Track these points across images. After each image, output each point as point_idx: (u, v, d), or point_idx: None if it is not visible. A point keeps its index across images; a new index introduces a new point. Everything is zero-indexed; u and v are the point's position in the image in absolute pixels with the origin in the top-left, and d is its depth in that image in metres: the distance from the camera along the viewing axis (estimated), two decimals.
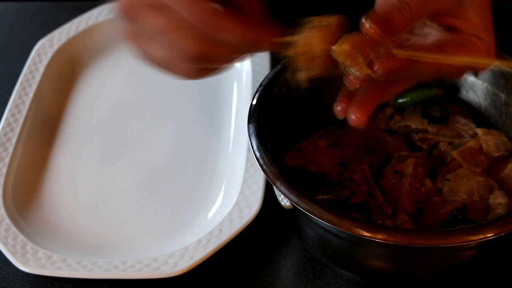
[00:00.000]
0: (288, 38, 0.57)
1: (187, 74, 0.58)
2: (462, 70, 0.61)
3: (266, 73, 0.75)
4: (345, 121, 0.77)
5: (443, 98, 0.78)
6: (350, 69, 0.56)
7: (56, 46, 0.97)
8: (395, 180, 0.70)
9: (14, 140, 0.83)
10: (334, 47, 0.56)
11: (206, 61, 0.56)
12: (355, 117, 0.58)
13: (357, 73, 0.56)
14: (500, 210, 0.66)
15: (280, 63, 0.74)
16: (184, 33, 0.54)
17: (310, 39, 0.57)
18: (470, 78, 0.77)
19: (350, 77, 0.56)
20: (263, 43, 0.56)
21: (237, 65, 0.93)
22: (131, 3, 0.57)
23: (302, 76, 0.58)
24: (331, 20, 0.58)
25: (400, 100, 0.78)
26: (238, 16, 0.55)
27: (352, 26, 0.58)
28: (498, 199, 0.67)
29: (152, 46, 0.58)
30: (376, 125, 0.77)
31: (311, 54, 0.57)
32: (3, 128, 0.85)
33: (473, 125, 0.76)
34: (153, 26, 0.55)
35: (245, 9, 0.58)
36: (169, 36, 0.55)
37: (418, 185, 0.70)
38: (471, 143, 0.73)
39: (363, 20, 0.54)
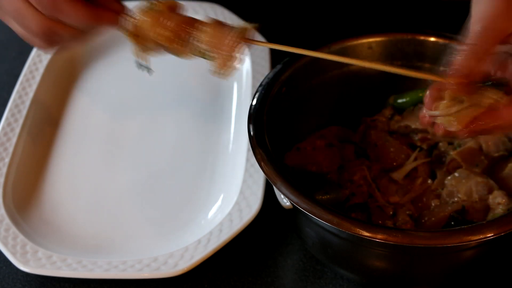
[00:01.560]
0: (125, 19, 0.64)
1: (41, 46, 0.66)
2: None
3: (266, 73, 0.75)
4: (345, 121, 0.78)
5: None
6: (172, 52, 0.65)
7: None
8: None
9: (14, 140, 0.83)
10: (155, 35, 0.63)
11: (53, 37, 0.64)
12: None
13: (180, 55, 0.65)
14: (499, 210, 0.66)
15: (280, 63, 0.74)
16: (29, 13, 0.62)
17: (142, 24, 0.63)
18: None
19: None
20: (100, 25, 0.63)
21: (237, 65, 0.94)
22: None
23: (138, 55, 0.66)
24: (161, 5, 0.63)
25: (400, 101, 0.78)
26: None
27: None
28: (497, 199, 0.67)
29: (11, 22, 0.65)
30: (377, 127, 0.77)
31: (143, 37, 0.64)
32: (3, 128, 0.85)
33: None
34: (5, 6, 0.63)
35: None
36: (17, 16, 0.63)
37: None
38: (471, 143, 0.73)
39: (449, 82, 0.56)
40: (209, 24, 0.63)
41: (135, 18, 0.64)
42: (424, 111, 0.59)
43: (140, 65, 0.67)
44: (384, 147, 0.74)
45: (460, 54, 0.56)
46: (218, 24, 0.63)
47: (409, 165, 0.72)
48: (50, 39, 0.64)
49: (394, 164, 0.73)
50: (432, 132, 0.75)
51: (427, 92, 0.59)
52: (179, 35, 0.63)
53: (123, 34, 0.65)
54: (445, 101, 0.57)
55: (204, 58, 0.64)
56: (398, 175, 0.72)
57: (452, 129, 0.57)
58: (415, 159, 0.73)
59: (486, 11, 0.56)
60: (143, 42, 0.65)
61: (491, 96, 0.56)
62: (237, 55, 0.62)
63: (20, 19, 0.63)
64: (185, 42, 0.63)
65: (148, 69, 0.68)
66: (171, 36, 0.63)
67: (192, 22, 0.64)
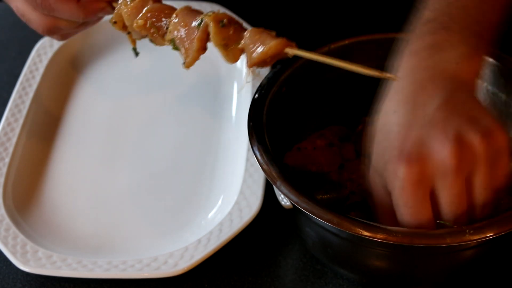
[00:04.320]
0: (110, 9, 0.70)
1: (56, 38, 0.76)
2: None
3: (266, 73, 0.75)
4: (345, 121, 0.78)
5: None
6: (153, 41, 0.68)
7: (56, 46, 0.97)
8: None
9: (14, 140, 0.83)
10: (134, 25, 0.67)
11: (57, 32, 0.73)
12: None
13: (158, 45, 0.68)
14: (499, 209, 0.66)
15: (280, 63, 0.74)
16: (32, 15, 0.71)
17: (121, 13, 0.68)
18: None
19: None
20: (92, 15, 0.71)
21: (237, 65, 0.94)
22: None
23: (129, 38, 0.71)
24: None
25: None
26: None
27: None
28: None
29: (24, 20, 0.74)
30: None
31: (122, 24, 0.69)
32: (3, 128, 0.85)
33: None
34: (15, 8, 0.74)
35: None
36: (24, 18, 0.73)
37: None
38: None
39: None
40: (178, 12, 0.66)
41: (117, 8, 0.69)
42: None
43: (135, 52, 0.74)
44: None
45: None
46: (185, 11, 0.65)
47: None
48: (55, 33, 0.73)
49: None
50: None
51: None
52: (153, 24, 0.67)
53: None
54: None
55: (175, 48, 0.66)
56: None
57: None
58: None
59: None
60: (127, 30, 0.70)
61: None
62: (195, 45, 0.64)
63: (26, 20, 0.73)
64: (160, 31, 0.67)
65: (137, 53, 0.74)
66: (145, 25, 0.67)
67: (166, 10, 0.67)
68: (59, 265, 0.70)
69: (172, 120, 0.90)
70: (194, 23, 0.64)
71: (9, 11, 1.12)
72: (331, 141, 0.75)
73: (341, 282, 0.71)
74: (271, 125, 0.68)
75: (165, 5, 0.68)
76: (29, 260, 0.71)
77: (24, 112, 0.87)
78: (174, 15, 0.66)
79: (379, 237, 0.57)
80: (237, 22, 0.65)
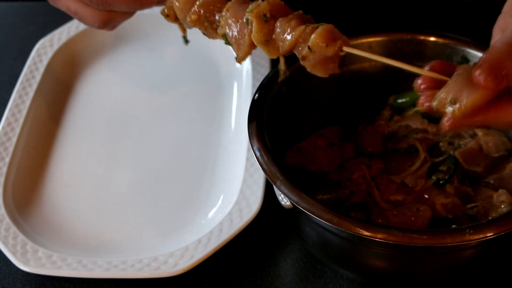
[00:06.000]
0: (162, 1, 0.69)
1: (107, 29, 0.76)
2: None
3: (266, 73, 0.75)
4: (345, 121, 0.78)
5: None
6: (206, 34, 0.66)
7: (56, 46, 0.97)
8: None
9: (14, 139, 0.83)
10: (188, 19, 0.66)
11: (111, 23, 0.74)
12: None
13: (211, 38, 0.66)
14: (502, 209, 0.66)
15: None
16: (86, 12, 0.72)
17: (173, 5, 0.67)
18: None
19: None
20: (145, 5, 0.71)
21: (237, 65, 0.94)
22: None
23: (179, 27, 0.69)
24: None
25: (400, 100, 0.78)
26: None
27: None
28: (501, 197, 0.67)
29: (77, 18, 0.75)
30: (377, 129, 0.76)
31: (174, 17, 0.68)
32: (3, 127, 0.85)
33: None
34: (65, 7, 0.74)
35: None
36: (76, 15, 0.73)
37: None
38: (472, 144, 0.73)
39: (476, 73, 0.51)
40: (229, 6, 0.63)
41: (169, 1, 0.67)
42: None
43: (185, 40, 0.72)
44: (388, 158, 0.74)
45: (494, 51, 0.52)
46: (236, 4, 0.63)
47: (412, 169, 0.72)
48: (110, 25, 0.75)
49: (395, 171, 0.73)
50: (432, 131, 0.75)
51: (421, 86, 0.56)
52: (207, 18, 0.65)
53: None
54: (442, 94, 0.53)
55: (227, 42, 0.64)
56: (399, 178, 0.72)
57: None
58: (419, 165, 0.73)
59: None
60: (179, 21, 0.68)
61: None
62: (247, 41, 0.61)
63: (80, 17, 0.73)
64: (214, 25, 0.65)
65: (186, 41, 0.73)
66: (199, 19, 0.65)
67: (218, 4, 0.65)
68: (59, 265, 0.71)
69: (172, 120, 0.90)
70: (244, 18, 0.62)
71: (9, 11, 1.13)
72: (331, 141, 0.75)
73: (341, 282, 0.71)
74: (271, 125, 0.69)
75: None
76: (29, 260, 0.71)
77: (24, 112, 0.87)
78: (225, 9, 0.64)
79: (379, 237, 0.57)
80: (285, 11, 0.61)
